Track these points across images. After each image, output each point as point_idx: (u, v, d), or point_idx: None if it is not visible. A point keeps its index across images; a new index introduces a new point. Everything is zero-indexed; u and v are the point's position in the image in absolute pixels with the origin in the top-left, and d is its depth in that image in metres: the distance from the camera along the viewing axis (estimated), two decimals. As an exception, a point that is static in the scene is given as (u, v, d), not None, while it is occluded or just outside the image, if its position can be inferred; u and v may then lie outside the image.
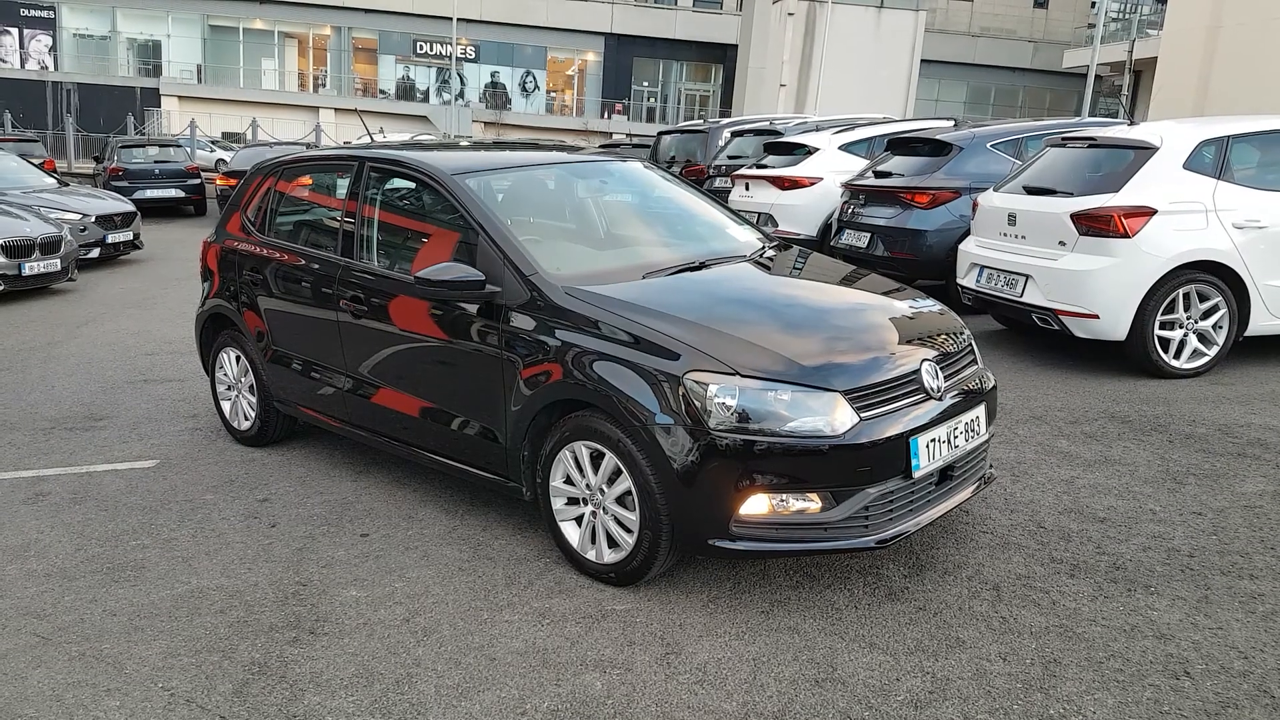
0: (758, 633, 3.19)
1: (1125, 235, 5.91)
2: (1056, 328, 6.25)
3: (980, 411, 3.63)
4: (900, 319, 3.73)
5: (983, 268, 6.86)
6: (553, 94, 44.86)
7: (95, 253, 12.35)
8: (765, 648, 3.10)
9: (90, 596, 3.57)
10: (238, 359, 5.18)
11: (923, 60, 30.45)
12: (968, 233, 7.95)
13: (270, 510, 4.34)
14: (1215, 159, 6.09)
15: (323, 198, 4.96)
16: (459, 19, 40.53)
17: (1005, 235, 6.69)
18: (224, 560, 3.85)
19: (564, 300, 3.58)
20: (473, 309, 3.81)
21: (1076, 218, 6.09)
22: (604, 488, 3.46)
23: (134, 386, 6.56)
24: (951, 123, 9.61)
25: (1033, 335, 7.41)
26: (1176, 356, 6.15)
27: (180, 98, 40.57)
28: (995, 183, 8.07)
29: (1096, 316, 6.04)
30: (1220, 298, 6.06)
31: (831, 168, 9.94)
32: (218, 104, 39.93)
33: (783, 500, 3.18)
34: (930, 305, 3.98)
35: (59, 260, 10.44)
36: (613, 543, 3.49)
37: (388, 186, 4.47)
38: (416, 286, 3.80)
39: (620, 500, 3.42)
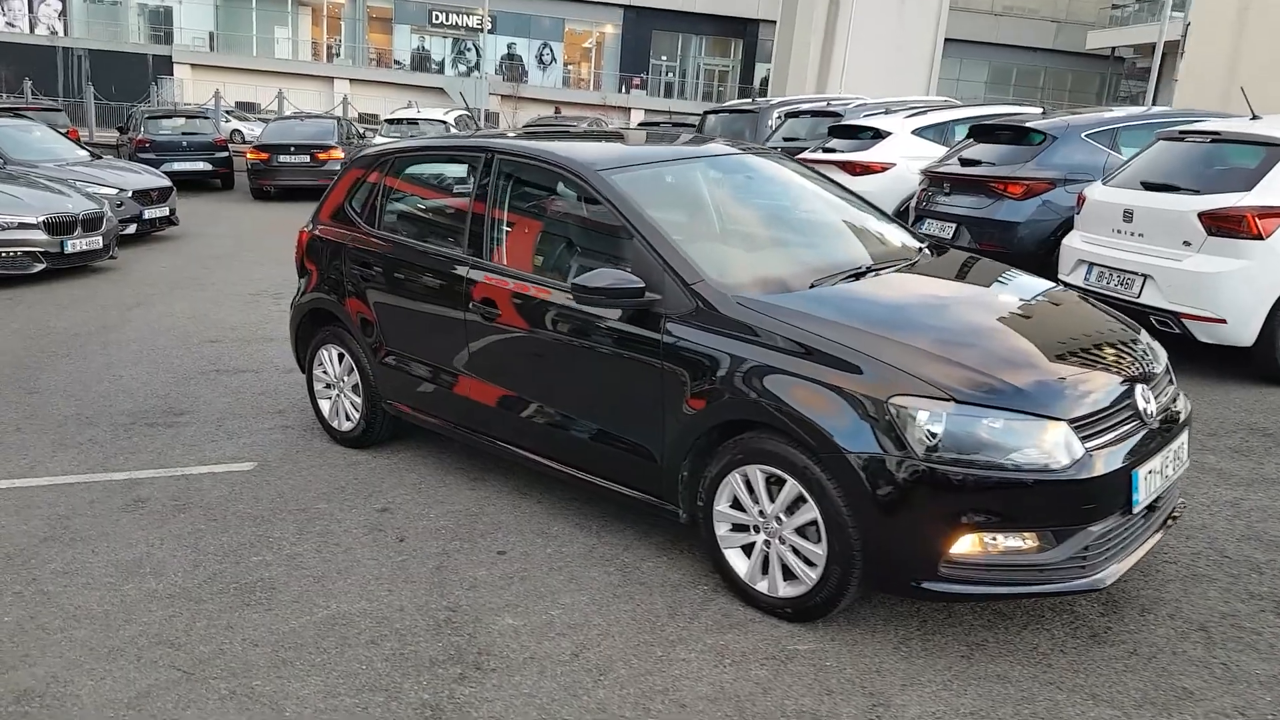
0: (966, 682, 2.95)
1: (1259, 237, 5.63)
2: (1177, 331, 5.97)
3: (1184, 438, 3.38)
4: (1105, 336, 3.48)
5: (1092, 265, 6.57)
6: (570, 67, 44.27)
7: (132, 229, 12.02)
8: (980, 700, 2.86)
9: (225, 622, 3.33)
10: (340, 357, 4.91)
11: (945, 39, 29.96)
12: (1061, 226, 7.68)
13: (393, 522, 4.10)
14: (1355, 157, 5.79)
15: (444, 190, 4.69)
16: (476, -11, 39.95)
17: (1120, 232, 6.40)
18: (359, 580, 3.61)
19: (736, 311, 3.32)
20: (620, 316, 3.54)
21: (1205, 217, 5.80)
22: (781, 516, 3.21)
23: (206, 378, 6.30)
24: (1039, 110, 9.27)
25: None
26: (1304, 364, 5.89)
27: (193, 65, 40.00)
28: (1088, 174, 7.80)
29: (1224, 321, 5.77)
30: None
31: (905, 153, 9.63)
32: (230, 73, 39.36)
33: (994, 539, 2.94)
34: (1123, 321, 3.72)
35: (101, 238, 10.15)
36: (789, 575, 3.24)
37: (522, 181, 4.18)
38: (571, 293, 3.52)
39: (801, 531, 3.17)
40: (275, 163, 16.75)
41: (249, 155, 17.20)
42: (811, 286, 3.52)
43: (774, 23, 31.48)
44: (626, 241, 3.66)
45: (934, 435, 2.89)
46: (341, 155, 16.92)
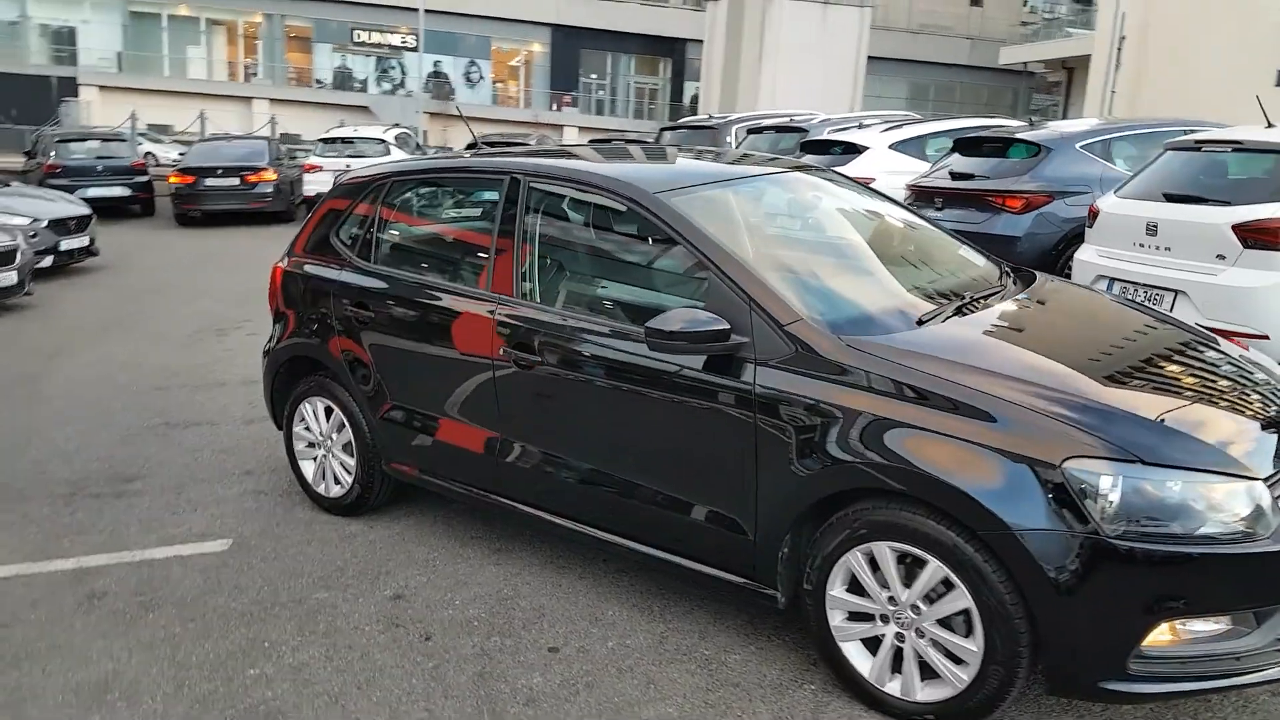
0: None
1: (1301, 249, 5.33)
2: (1218, 351, 5.64)
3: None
4: (1254, 374, 3.04)
5: (1113, 280, 6.22)
6: (499, 84, 43.51)
7: (48, 261, 10.99)
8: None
9: (228, 766, 2.65)
10: (328, 412, 4.23)
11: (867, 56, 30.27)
12: (1061, 239, 7.39)
13: (412, 613, 3.44)
14: (1389, 164, 5.55)
15: (457, 219, 4.07)
16: (398, 7, 38.94)
17: (1143, 246, 6.06)
18: (386, 698, 2.95)
19: (846, 355, 2.78)
20: (697, 362, 2.98)
21: (1239, 229, 5.48)
22: (919, 604, 2.67)
23: (155, 434, 5.52)
24: (1020, 124, 9.01)
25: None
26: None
27: (101, 87, 38.08)
28: (1085, 186, 7.54)
29: (1266, 337, 5.44)
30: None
31: (883, 168, 9.26)
32: (141, 94, 37.55)
33: (1187, 625, 2.45)
34: (1254, 353, 3.30)
35: (15, 273, 9.17)
36: (929, 674, 2.70)
37: (558, 207, 3.59)
38: (644, 339, 2.94)
39: (945, 622, 2.64)
40: (202, 186, 15.72)
41: (172, 179, 16.11)
42: (920, 323, 3.00)
43: (700, 42, 31.37)
44: (698, 275, 3.10)
45: (1120, 504, 2.39)
46: (274, 177, 15.99)
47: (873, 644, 2.81)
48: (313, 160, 16.55)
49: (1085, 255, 6.60)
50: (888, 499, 2.69)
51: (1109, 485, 2.40)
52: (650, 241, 3.38)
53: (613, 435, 3.27)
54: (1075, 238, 7.30)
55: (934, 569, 2.61)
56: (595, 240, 3.64)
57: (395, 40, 42.04)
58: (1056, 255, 7.39)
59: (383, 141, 17.16)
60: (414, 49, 41.55)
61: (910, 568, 2.68)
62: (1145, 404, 2.61)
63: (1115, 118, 13.97)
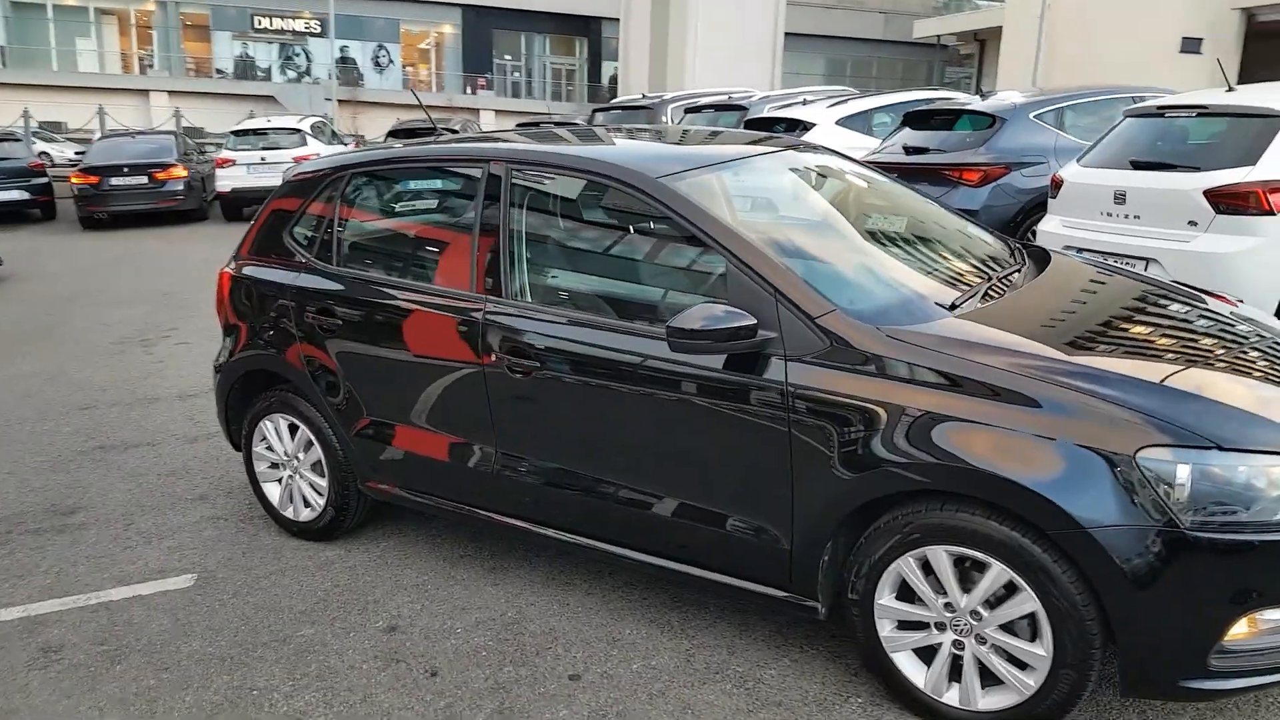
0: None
1: (1270, 212, 5.33)
2: (1190, 317, 5.64)
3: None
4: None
5: (1081, 250, 6.18)
6: (409, 68, 42.41)
7: (-55, 272, 10.25)
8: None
9: (233, 842, 2.35)
10: (292, 429, 3.89)
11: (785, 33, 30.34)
12: (1021, 210, 7.38)
13: (412, 647, 3.16)
14: (1349, 125, 5.59)
15: (431, 213, 3.75)
16: (301, -9, 37.70)
17: (1111, 215, 6.03)
18: (401, 746, 2.68)
19: (886, 347, 2.59)
20: (717, 361, 2.76)
21: (1211, 194, 5.48)
22: (981, 610, 2.50)
23: (90, 459, 5.08)
24: (971, 96, 8.96)
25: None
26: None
27: (-18, 84, 35.99)
28: (1040, 156, 7.53)
29: (1240, 302, 5.45)
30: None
31: (831, 144, 9.11)
32: (28, 90, 35.58)
33: (1265, 616, 2.33)
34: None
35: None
36: (990, 680, 2.54)
37: (549, 197, 3.32)
38: (665, 337, 2.70)
39: (1008, 626, 2.48)
40: (107, 186, 14.83)
41: (74, 179, 15.18)
42: (953, 307, 2.83)
43: (617, 20, 30.96)
44: (712, 267, 2.88)
45: (1195, 492, 2.25)
46: (185, 173, 15.19)
47: (926, 652, 2.64)
48: (225, 154, 15.75)
49: (1049, 226, 6.56)
50: (942, 499, 2.51)
51: (1185, 474, 2.26)
52: (654, 231, 3.13)
53: (623, 443, 3.03)
54: (1034, 208, 7.29)
55: (997, 572, 2.44)
56: (593, 232, 3.39)
57: (298, 26, 40.68)
58: (1015, 227, 7.37)
59: (298, 131, 16.43)
60: (318, 34, 40.27)
61: (968, 571, 2.51)
62: (1210, 386, 2.48)
63: (1046, 88, 14.12)
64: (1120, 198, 5.96)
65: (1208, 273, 5.51)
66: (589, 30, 42.38)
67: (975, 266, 3.27)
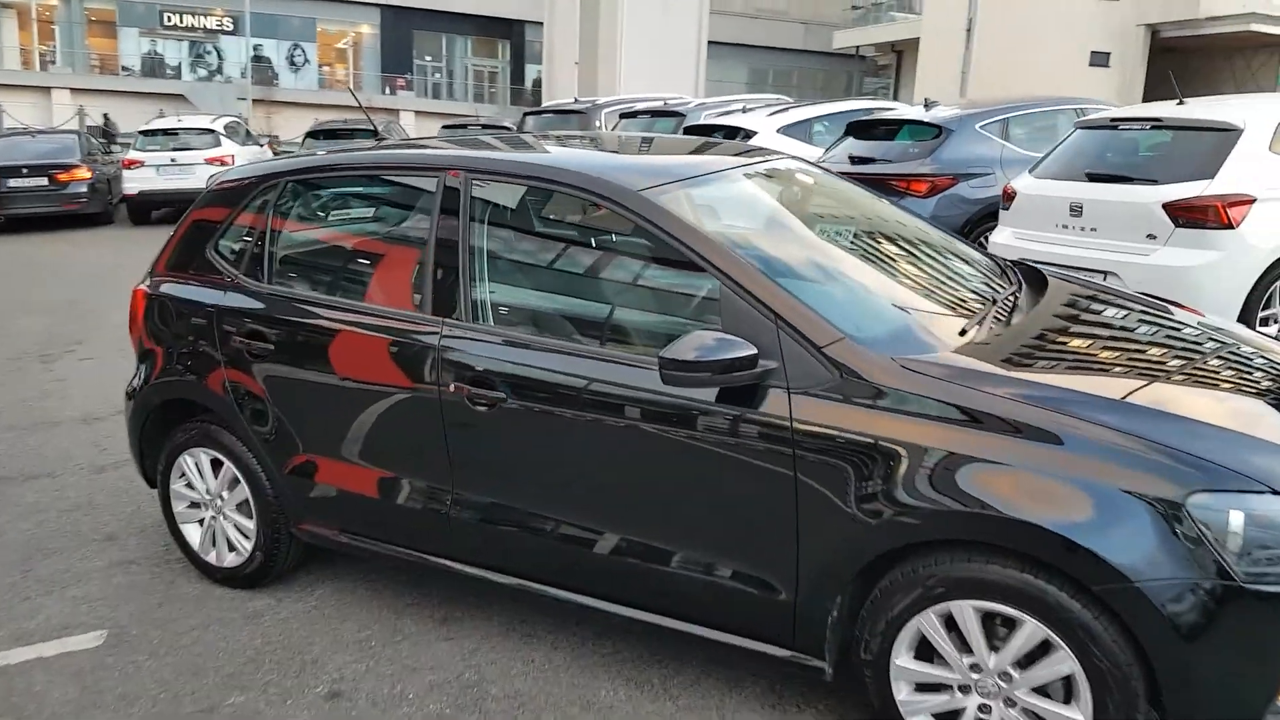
0: None
1: (1229, 226, 5.29)
2: (1150, 332, 5.57)
3: None
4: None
5: (1039, 265, 6.09)
6: (326, 68, 41.24)
7: None
8: None
9: None
10: (215, 465, 3.48)
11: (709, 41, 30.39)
12: (969, 221, 7.31)
13: (358, 715, 2.79)
14: (1300, 139, 5.60)
15: (384, 226, 3.37)
16: (213, -12, 36.37)
17: (1067, 227, 5.94)
18: (353, 844, 2.32)
19: (901, 379, 2.33)
20: (710, 394, 2.47)
21: (1171, 208, 5.41)
22: (1011, 671, 2.26)
23: (-18, 491, 4.55)
24: (898, 106, 8.89)
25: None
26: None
27: None
28: (986, 167, 7.49)
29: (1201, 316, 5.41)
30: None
31: (774, 152, 8.97)
32: (-83, 85, 33.62)
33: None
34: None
35: None
36: (1017, 746, 2.30)
37: (514, 211, 2.98)
38: (658, 367, 2.40)
39: (1042, 689, 2.24)
40: (4, 188, 13.88)
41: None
42: (962, 334, 2.59)
43: (540, 24, 30.58)
44: (702, 288, 2.59)
45: (1250, 540, 2.05)
46: (89, 175, 14.32)
47: (948, 718, 2.38)
48: (133, 154, 14.91)
49: (1001, 238, 6.46)
50: (969, 550, 2.26)
51: (1238, 521, 2.05)
52: (633, 249, 2.83)
53: (601, 483, 2.72)
54: (982, 219, 7.21)
55: (1031, 630, 2.20)
56: (563, 249, 3.07)
57: (210, 23, 39.24)
58: (964, 238, 7.28)
59: (211, 131, 15.66)
60: (231, 32, 38.93)
61: (994, 627, 2.27)
62: (1257, 424, 2.28)
63: (972, 99, 14.23)
64: (1077, 210, 5.88)
65: (1167, 287, 5.43)
66: (511, 33, 41.83)
67: (976, 289, 3.05)
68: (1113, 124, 6.18)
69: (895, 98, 34.67)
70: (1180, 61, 26.51)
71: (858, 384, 2.36)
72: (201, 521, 3.59)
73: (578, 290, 2.99)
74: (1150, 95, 23.83)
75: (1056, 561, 2.15)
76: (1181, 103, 6.15)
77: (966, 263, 3.26)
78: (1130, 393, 2.35)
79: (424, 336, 2.90)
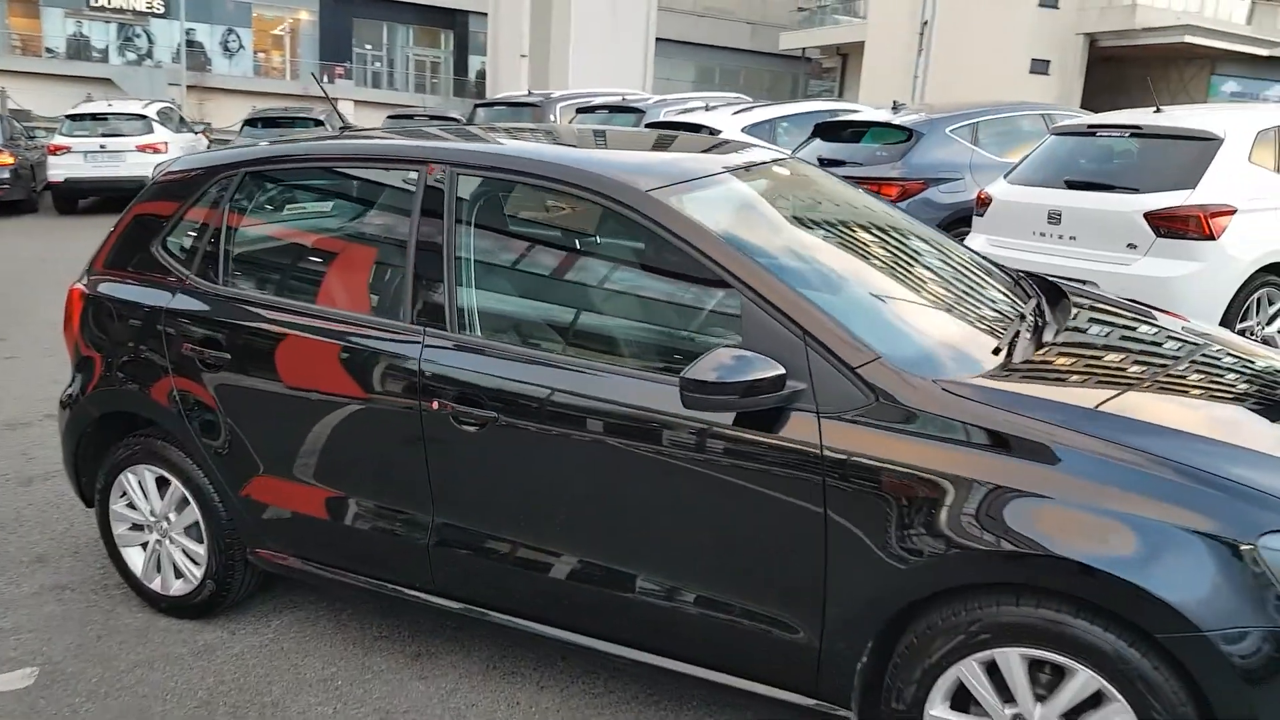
0: None
1: (1210, 237, 5.25)
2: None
3: None
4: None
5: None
6: (261, 55, 40.09)
7: None
8: None
9: None
10: (161, 484, 3.15)
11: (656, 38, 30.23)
12: (939, 226, 7.21)
13: (329, 772, 2.51)
14: (1277, 150, 5.58)
15: (357, 223, 3.07)
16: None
17: (1045, 235, 5.85)
18: None
19: (944, 404, 2.13)
20: (727, 416, 2.25)
21: (1152, 217, 5.34)
22: (1063, 724, 2.07)
23: (-109, 506, 4.13)
24: (860, 107, 8.78)
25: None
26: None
27: None
28: (956, 171, 7.41)
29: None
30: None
31: (737, 151, 8.79)
32: None
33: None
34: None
35: None
36: (1064, 803, 2.12)
37: (506, 210, 2.72)
38: (679, 388, 2.16)
39: (1100, 743, 2.06)
40: (-82, 175, 13.12)
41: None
42: (996, 352, 2.41)
43: (484, 15, 30.08)
44: (716, 299, 2.37)
45: (1321, 586, 1.89)
46: (12, 160, 13.58)
47: (987, 773, 2.19)
48: (59, 140, 14.19)
49: (975, 244, 6.34)
50: (1016, 593, 2.07)
51: (1308, 563, 1.89)
52: (639, 254, 2.59)
53: (603, 512, 2.47)
54: (951, 224, 7.11)
55: (1084, 680, 2.01)
56: (564, 252, 2.81)
57: (139, 5, 37.87)
58: (934, 243, 7.18)
59: (143, 117, 14.96)
60: (161, 15, 37.62)
61: (1037, 674, 2.08)
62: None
63: (927, 103, 14.28)
64: (1055, 217, 5.80)
65: (1148, 297, 5.34)
66: (455, 23, 41.16)
67: (1000, 303, 2.87)
68: (1090, 130, 6.11)
69: (841, 98, 34.91)
70: (1116, 71, 27.13)
71: (894, 408, 2.15)
72: (145, 545, 3.25)
73: (573, 299, 2.73)
74: (1088, 103, 24.29)
75: (1115, 607, 1.97)
76: (1159, 110, 6.11)
77: (986, 274, 3.08)
78: (1192, 422, 2.19)
79: (403, 347, 2.63)
